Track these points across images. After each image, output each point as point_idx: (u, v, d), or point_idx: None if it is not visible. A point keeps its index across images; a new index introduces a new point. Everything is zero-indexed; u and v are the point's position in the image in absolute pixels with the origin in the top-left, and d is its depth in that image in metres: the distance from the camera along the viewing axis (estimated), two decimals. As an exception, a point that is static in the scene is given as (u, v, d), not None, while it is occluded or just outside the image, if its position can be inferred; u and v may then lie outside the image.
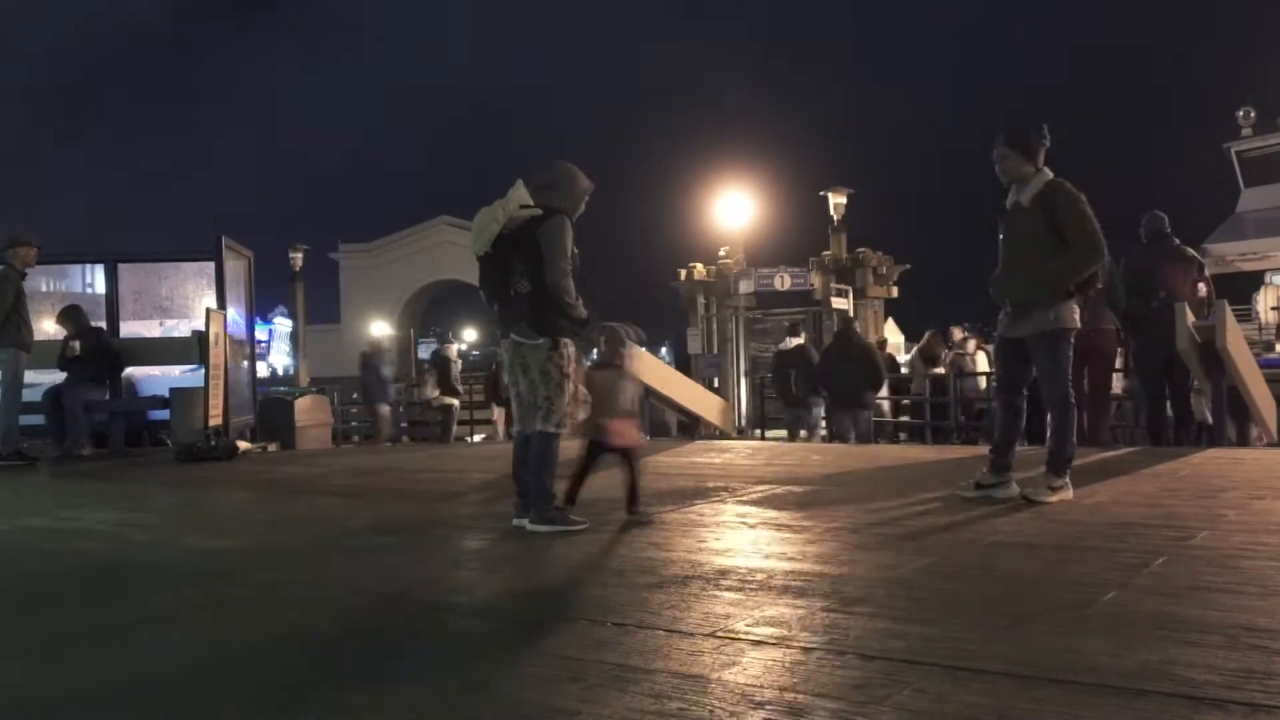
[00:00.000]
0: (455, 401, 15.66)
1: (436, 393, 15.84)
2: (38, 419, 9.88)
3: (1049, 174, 5.04)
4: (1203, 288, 8.41)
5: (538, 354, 4.52)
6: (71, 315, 10.26)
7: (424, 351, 50.05)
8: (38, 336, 9.68)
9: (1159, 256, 8.31)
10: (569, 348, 4.55)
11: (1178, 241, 8.54)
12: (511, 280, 4.50)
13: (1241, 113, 31.32)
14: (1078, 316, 5.03)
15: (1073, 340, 5.00)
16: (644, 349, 7.32)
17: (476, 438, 17.34)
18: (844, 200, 23.41)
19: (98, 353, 10.16)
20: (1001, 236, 5.21)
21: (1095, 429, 8.28)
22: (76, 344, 9.96)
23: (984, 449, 5.89)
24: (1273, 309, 23.56)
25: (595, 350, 5.04)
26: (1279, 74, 30.95)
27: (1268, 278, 26.42)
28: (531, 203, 4.50)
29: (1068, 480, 4.97)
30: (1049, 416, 5.09)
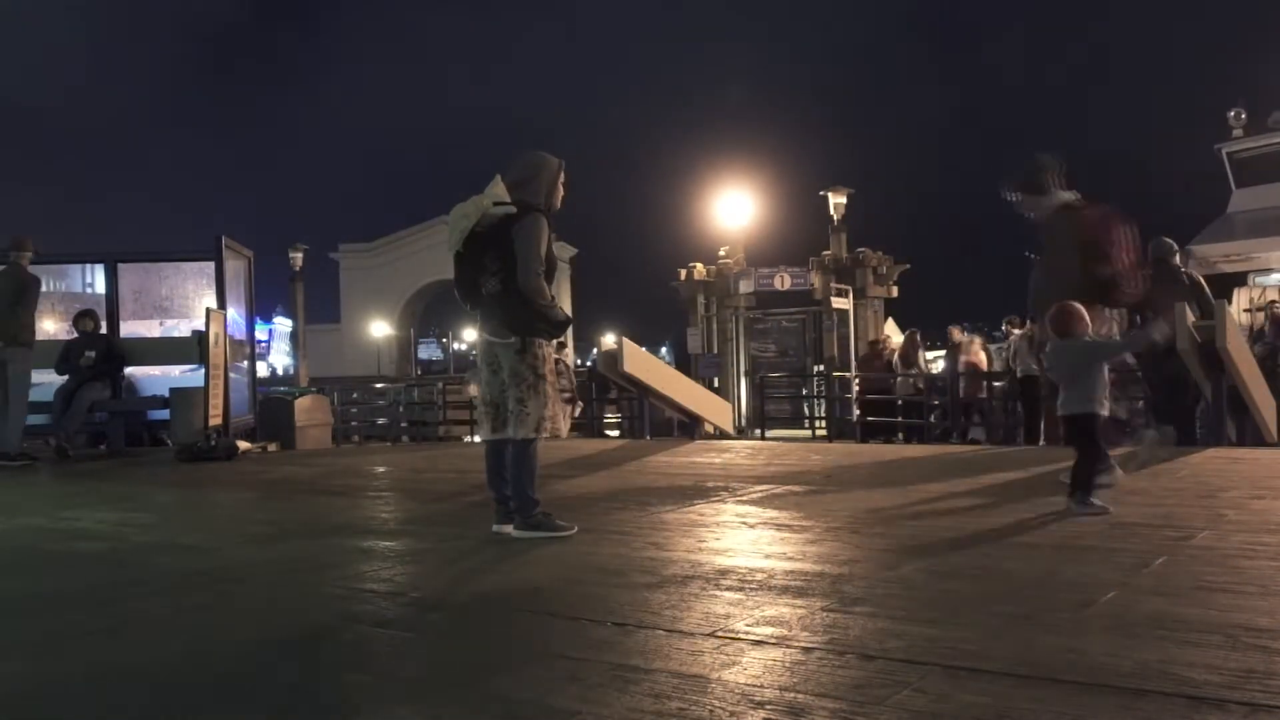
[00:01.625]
0: None
1: None
2: (38, 419, 9.86)
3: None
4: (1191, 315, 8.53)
5: (508, 353, 4.39)
6: (92, 318, 10.32)
7: (424, 352, 50.08)
8: (38, 336, 9.68)
9: (1153, 280, 8.51)
10: (542, 348, 4.41)
11: (1180, 267, 8.86)
12: (482, 280, 4.37)
13: (1232, 114, 31.21)
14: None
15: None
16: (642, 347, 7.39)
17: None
18: (844, 200, 23.39)
19: (107, 354, 10.21)
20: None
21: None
22: (92, 354, 10.00)
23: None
24: (1245, 310, 23.43)
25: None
26: (1270, 75, 30.86)
27: (1250, 279, 26.24)
28: (508, 199, 4.35)
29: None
30: None
